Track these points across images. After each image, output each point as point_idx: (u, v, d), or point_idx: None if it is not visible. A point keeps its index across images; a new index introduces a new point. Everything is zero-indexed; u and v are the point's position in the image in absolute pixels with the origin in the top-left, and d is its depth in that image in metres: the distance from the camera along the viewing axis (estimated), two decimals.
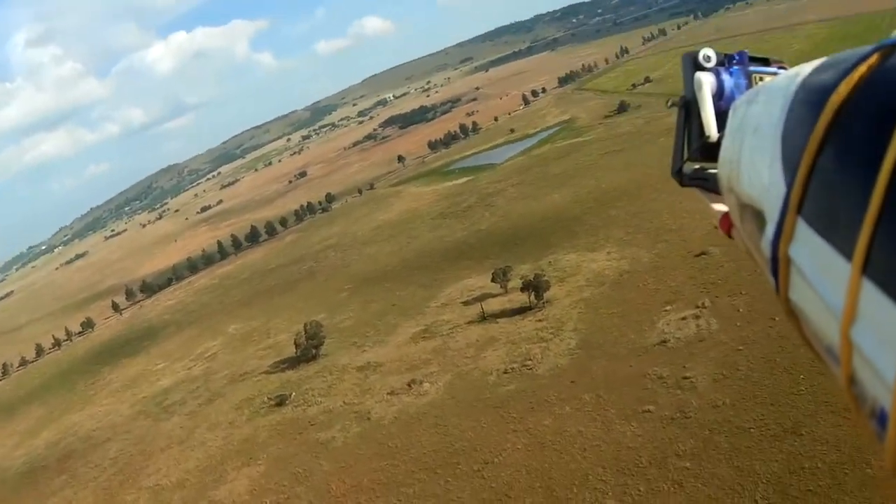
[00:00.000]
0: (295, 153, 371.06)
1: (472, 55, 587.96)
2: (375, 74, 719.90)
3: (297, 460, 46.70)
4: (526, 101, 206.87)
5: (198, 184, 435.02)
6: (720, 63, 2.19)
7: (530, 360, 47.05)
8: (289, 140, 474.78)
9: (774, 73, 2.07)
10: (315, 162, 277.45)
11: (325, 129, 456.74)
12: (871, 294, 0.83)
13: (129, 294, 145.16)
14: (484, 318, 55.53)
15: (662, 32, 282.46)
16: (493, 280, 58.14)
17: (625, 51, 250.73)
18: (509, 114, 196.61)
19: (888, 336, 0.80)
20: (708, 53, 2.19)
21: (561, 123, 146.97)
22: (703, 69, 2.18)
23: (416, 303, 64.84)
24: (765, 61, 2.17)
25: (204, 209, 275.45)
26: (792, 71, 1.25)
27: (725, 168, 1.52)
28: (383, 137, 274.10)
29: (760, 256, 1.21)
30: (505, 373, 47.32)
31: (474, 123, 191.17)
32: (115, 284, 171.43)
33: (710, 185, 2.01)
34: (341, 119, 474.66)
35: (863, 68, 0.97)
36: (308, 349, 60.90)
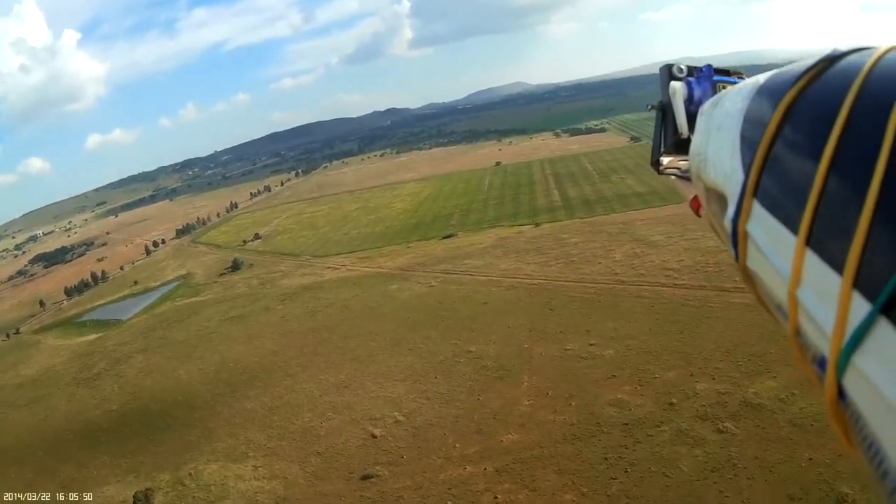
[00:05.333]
0: None
1: (106, 199, 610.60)
2: (33, 210, 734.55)
3: None
4: (148, 252, 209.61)
5: None
6: (690, 74, 2.91)
7: None
8: None
9: (734, 83, 2.70)
10: None
11: None
12: (812, 261, 1.14)
13: None
14: None
15: (267, 189, 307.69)
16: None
17: (234, 205, 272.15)
18: (133, 263, 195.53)
19: (826, 295, 1.07)
20: (681, 66, 2.93)
21: (179, 278, 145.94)
22: (676, 79, 2.90)
23: None
24: (726, 72, 2.91)
25: None
26: (750, 80, 1.70)
27: (695, 159, 1.96)
28: (31, 275, 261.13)
29: (723, 231, 1.58)
30: None
31: (103, 272, 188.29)
32: None
33: (682, 174, 2.83)
34: (2, 251, 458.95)
35: (807, 78, 1.31)
36: None
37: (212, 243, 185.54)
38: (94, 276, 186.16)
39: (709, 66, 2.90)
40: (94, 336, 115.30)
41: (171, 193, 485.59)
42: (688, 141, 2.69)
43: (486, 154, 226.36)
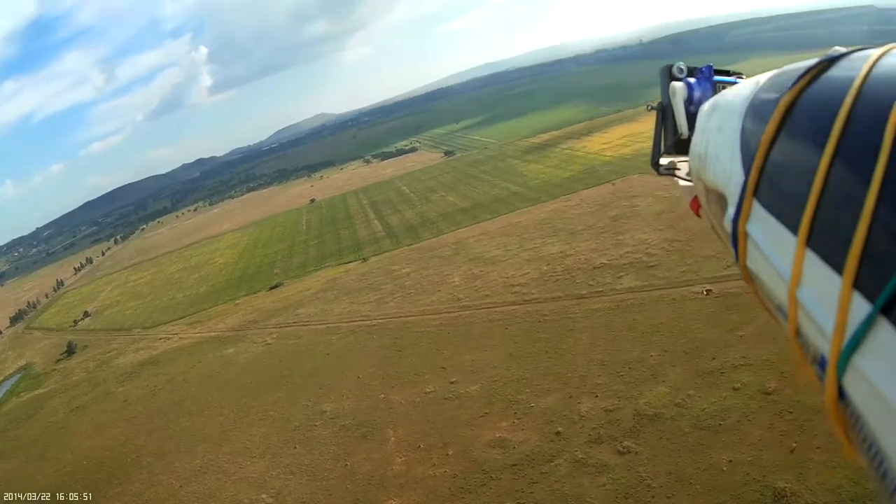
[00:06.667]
0: None
1: None
2: None
3: None
4: None
5: None
6: (690, 74, 3.06)
7: None
8: None
9: (734, 83, 2.86)
10: None
11: None
12: (812, 262, 1.21)
13: None
14: None
15: (90, 260, 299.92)
16: None
17: (61, 283, 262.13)
18: None
19: (826, 295, 1.14)
20: (681, 66, 3.08)
21: (20, 370, 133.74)
22: (676, 80, 3.04)
23: None
24: (726, 73, 3.08)
25: None
26: (749, 81, 1.84)
27: (695, 160, 2.08)
28: None
29: (723, 231, 1.71)
30: None
31: None
32: None
33: (681, 174, 2.87)
34: None
35: (806, 79, 1.42)
36: None
37: (45, 327, 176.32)
38: None
39: (709, 66, 3.03)
40: None
41: (1, 278, 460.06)
42: (688, 141, 2.79)
43: (298, 193, 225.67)
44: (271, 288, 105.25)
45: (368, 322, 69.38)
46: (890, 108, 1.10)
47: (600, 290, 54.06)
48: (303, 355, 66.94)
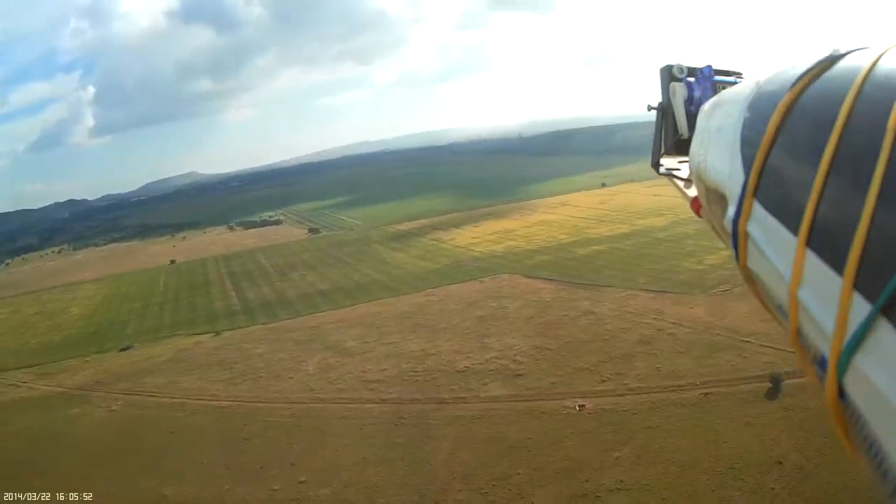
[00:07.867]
0: None
1: None
2: None
3: None
4: None
5: None
6: (691, 74, 3.12)
7: None
8: None
9: (734, 83, 2.85)
10: None
11: None
12: (813, 262, 1.21)
13: None
14: None
15: None
16: None
17: None
18: None
19: (827, 295, 1.14)
20: (681, 66, 3.13)
21: None
22: (676, 80, 3.11)
23: None
24: (727, 73, 3.15)
25: None
26: (749, 81, 1.82)
27: (695, 160, 2.10)
28: None
29: (723, 232, 1.72)
30: None
31: None
32: None
33: (681, 175, 2.95)
34: None
35: (806, 79, 1.43)
36: None
37: None
38: None
39: (709, 66, 3.07)
40: None
41: None
42: (688, 141, 2.84)
43: (160, 251, 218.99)
44: (122, 349, 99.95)
45: (216, 402, 65.73)
46: (890, 107, 1.10)
47: (464, 395, 52.68)
48: (147, 429, 62.55)
